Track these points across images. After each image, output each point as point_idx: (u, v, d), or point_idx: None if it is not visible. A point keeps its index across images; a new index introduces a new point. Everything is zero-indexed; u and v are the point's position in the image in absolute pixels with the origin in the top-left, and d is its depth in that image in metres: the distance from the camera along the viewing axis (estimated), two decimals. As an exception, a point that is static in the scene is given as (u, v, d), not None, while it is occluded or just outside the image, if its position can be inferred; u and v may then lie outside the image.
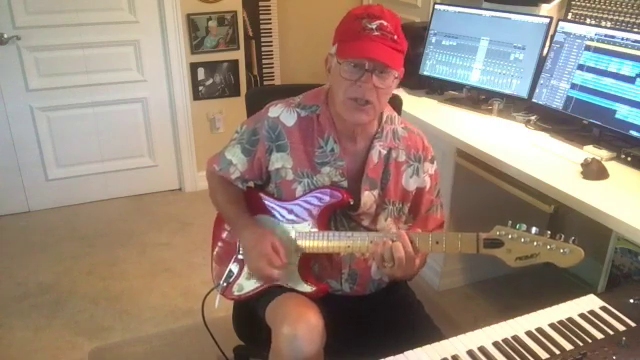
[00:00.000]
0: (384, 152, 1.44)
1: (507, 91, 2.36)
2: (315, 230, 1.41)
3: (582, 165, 1.82)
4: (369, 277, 1.49)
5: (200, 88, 3.37)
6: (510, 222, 1.24)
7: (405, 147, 1.47)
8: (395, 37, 1.29)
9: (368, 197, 1.43)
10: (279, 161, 1.43)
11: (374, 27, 1.28)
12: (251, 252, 1.41)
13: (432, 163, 1.52)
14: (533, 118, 2.27)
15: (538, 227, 1.22)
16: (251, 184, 1.57)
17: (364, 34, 1.28)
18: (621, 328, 1.12)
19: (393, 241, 1.30)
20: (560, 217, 2.17)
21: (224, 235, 1.57)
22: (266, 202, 1.48)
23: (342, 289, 1.48)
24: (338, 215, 1.44)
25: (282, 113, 1.44)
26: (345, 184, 1.42)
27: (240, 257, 1.50)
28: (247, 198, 1.52)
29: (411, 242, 1.29)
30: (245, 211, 1.49)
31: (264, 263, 1.36)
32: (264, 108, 1.48)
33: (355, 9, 1.35)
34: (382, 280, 1.51)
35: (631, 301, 1.20)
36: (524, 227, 1.22)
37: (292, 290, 1.42)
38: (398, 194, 1.47)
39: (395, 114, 1.51)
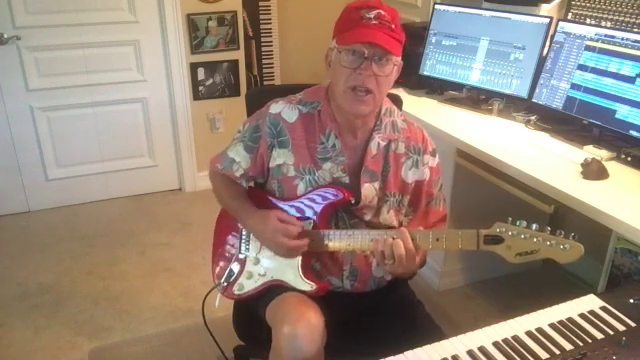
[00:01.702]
0: (383, 144, 1.44)
1: (507, 91, 2.36)
2: (316, 230, 1.41)
3: (582, 165, 1.82)
4: (370, 274, 1.49)
5: (200, 88, 3.37)
6: (510, 219, 1.24)
7: (405, 139, 1.47)
8: (393, 26, 1.31)
9: (369, 190, 1.43)
10: (281, 157, 1.44)
11: (372, 16, 1.30)
12: (264, 233, 1.42)
13: (433, 156, 1.51)
14: (533, 118, 2.27)
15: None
16: (252, 183, 1.57)
17: (362, 22, 1.30)
18: (621, 328, 1.12)
19: (394, 238, 1.30)
20: (560, 217, 2.17)
21: (225, 234, 1.57)
22: (268, 200, 1.48)
23: (343, 286, 1.48)
24: (339, 211, 1.44)
25: (284, 110, 1.45)
26: (347, 179, 1.43)
27: (241, 256, 1.50)
28: (250, 197, 1.52)
29: (412, 239, 1.30)
30: (248, 201, 1.49)
31: (281, 237, 1.37)
32: (265, 105, 1.48)
33: (353, 2, 1.36)
34: (383, 278, 1.51)
35: (631, 301, 1.20)
36: (524, 224, 1.22)
37: (292, 289, 1.42)
38: (397, 186, 1.47)
39: (394, 107, 1.51)
